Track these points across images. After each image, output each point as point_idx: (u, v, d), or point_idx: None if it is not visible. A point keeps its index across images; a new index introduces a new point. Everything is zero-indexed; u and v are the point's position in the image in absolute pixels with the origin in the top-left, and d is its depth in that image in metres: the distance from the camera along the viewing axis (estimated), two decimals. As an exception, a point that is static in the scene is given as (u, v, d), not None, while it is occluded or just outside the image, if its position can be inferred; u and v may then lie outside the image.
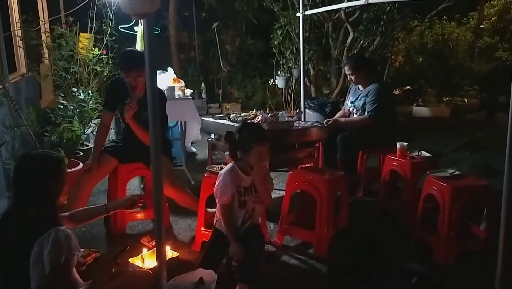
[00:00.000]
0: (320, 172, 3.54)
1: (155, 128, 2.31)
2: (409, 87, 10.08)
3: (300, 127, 3.99)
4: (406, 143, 4.02)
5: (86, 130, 5.31)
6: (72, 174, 4.07)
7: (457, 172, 3.44)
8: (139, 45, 5.13)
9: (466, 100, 9.76)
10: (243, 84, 9.63)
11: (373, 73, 4.62)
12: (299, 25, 5.25)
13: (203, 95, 8.94)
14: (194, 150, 6.11)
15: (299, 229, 3.43)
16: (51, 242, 1.99)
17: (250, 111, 4.40)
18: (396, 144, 4.02)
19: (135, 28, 5.20)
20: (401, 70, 9.85)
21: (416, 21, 9.25)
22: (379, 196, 4.22)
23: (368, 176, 4.54)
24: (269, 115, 3.74)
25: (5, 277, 2.13)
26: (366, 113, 4.38)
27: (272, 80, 8.41)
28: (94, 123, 5.26)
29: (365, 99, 4.42)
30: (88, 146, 5.19)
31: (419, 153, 4.02)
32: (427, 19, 9.31)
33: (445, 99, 9.37)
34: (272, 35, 7.58)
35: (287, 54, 7.39)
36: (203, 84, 8.93)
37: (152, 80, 2.22)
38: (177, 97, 4.70)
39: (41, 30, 5.73)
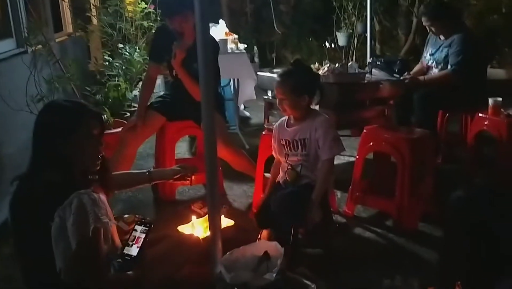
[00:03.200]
0: (400, 130, 2.99)
1: (207, 80, 1.89)
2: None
3: (372, 80, 3.42)
4: (500, 99, 3.38)
5: (133, 91, 4.99)
6: (116, 135, 3.75)
7: None
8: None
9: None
10: (298, 47, 9.06)
11: (457, 21, 3.93)
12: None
13: (256, 60, 8.45)
14: (247, 114, 5.67)
15: (375, 197, 2.93)
16: (74, 211, 1.59)
17: (312, 65, 3.86)
18: (483, 104, 3.40)
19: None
20: (478, 25, 8.86)
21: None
22: (466, 163, 3.62)
23: (450, 140, 3.93)
24: (337, 66, 3.20)
25: (25, 258, 1.75)
26: (449, 66, 3.72)
27: (330, 42, 7.76)
28: (142, 84, 4.93)
29: (448, 50, 3.75)
30: (135, 107, 4.86)
31: (516, 111, 3.38)
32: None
33: (524, 61, 8.39)
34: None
35: (349, 8, 6.72)
36: (255, 47, 8.44)
37: (203, 28, 1.83)
38: (229, 51, 4.23)
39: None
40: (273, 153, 2.63)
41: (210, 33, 4.31)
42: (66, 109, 1.77)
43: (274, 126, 2.64)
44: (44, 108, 1.83)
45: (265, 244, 1.92)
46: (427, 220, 2.81)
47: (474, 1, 8.81)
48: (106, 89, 4.57)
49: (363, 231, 2.79)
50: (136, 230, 1.89)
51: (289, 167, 2.50)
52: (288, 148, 2.50)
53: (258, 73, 4.19)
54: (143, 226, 1.89)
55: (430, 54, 3.95)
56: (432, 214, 2.82)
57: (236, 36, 4.53)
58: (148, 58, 3.49)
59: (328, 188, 2.60)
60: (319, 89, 2.51)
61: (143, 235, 1.84)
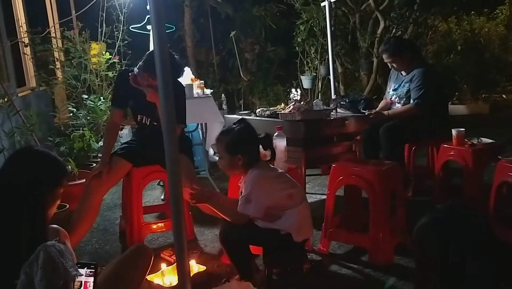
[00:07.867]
0: (369, 163, 2.99)
1: (169, 122, 1.83)
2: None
3: (338, 116, 3.46)
4: (463, 129, 3.45)
5: (99, 142, 4.89)
6: (81, 186, 3.62)
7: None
8: (152, 46, 4.72)
9: (504, 96, 9.09)
10: (264, 93, 9.19)
11: (416, 56, 4.06)
12: (323, 18, 4.77)
13: (224, 107, 8.50)
14: (217, 158, 5.62)
15: (349, 233, 2.88)
16: (42, 265, 1.50)
17: (278, 105, 3.89)
18: (447, 135, 3.47)
19: (148, 27, 4.79)
20: (436, 65, 9.24)
21: (440, 17, 8.72)
22: (434, 193, 3.64)
23: (418, 172, 3.96)
24: (302, 103, 3.22)
25: None
26: (412, 101, 3.82)
27: (295, 86, 7.94)
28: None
29: (409, 85, 3.86)
30: (101, 157, 4.75)
31: (479, 140, 3.45)
32: (454, 16, 8.79)
33: (482, 96, 8.73)
34: (294, 33, 7.11)
35: (312, 52, 6.90)
36: (223, 95, 8.52)
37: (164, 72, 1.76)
38: (196, 95, 4.23)
39: (51, 36, 5.36)
40: None
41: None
42: (55, 159, 1.78)
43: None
44: (22, 154, 1.81)
45: (238, 284, 1.83)
46: (402, 252, 2.76)
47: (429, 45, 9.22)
48: (71, 140, 4.47)
49: (339, 267, 2.72)
50: (81, 274, 1.74)
51: None
52: None
53: (225, 115, 4.20)
54: (86, 269, 1.75)
55: (393, 90, 4.04)
56: (407, 246, 2.79)
57: (201, 81, 4.54)
58: (111, 104, 3.42)
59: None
60: (268, 149, 2.45)
61: (91, 279, 1.71)
